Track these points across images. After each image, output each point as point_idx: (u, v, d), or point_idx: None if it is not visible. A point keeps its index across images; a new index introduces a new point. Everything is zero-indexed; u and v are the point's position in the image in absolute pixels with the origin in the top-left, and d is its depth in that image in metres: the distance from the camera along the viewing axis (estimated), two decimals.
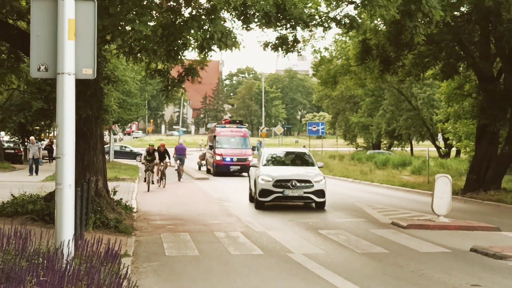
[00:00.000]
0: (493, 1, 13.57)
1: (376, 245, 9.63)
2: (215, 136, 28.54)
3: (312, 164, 15.27)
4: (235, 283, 6.87)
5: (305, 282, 6.91)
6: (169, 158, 21.28)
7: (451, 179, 12.31)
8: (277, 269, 7.75)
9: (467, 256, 8.82)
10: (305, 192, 13.60)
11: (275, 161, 15.67)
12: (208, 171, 29.83)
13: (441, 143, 41.24)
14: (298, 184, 13.52)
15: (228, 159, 27.06)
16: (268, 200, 13.84)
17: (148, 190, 18.84)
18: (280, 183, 13.59)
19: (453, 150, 38.23)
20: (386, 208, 15.01)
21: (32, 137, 24.75)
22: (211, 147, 28.30)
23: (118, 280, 4.84)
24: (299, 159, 15.88)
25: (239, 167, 27.13)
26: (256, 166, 15.36)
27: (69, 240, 5.12)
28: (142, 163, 19.37)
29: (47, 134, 35.34)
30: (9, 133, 29.76)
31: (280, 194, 13.60)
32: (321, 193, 13.76)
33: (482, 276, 7.35)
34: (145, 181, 19.38)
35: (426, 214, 13.19)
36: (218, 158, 26.99)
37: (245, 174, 23.89)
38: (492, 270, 7.80)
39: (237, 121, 33.79)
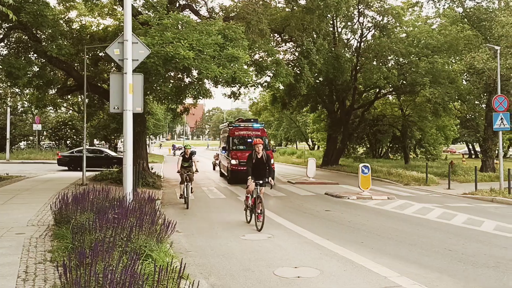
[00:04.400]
0: (333, 75, 27.04)
1: (280, 192, 16.51)
2: (229, 136, 23.23)
3: None
4: (212, 211, 12.85)
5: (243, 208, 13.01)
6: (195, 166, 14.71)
7: (315, 160, 23.67)
8: (231, 204, 14.13)
9: (323, 197, 16.05)
10: None
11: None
12: (221, 175, 25.66)
13: (310, 143, 73.09)
14: None
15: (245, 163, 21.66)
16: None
17: (188, 207, 13.68)
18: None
19: (316, 146, 69.97)
20: (285, 174, 26.63)
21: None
22: (225, 149, 23.30)
23: (155, 211, 10.24)
24: None
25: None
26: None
27: (129, 192, 10.35)
28: (179, 173, 13.85)
29: (120, 140, 53.17)
30: (99, 140, 48.49)
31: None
32: None
33: (331, 206, 13.98)
34: (181, 197, 14.18)
35: (304, 176, 22.95)
36: (234, 162, 21.45)
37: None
38: (336, 203, 14.66)
39: (252, 120, 26.94)
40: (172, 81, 14.31)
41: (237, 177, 20.64)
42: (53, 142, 47.29)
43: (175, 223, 7.64)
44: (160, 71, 12.27)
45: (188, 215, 12.22)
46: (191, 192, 14.12)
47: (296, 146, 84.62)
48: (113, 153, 31.03)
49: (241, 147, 22.48)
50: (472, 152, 61.72)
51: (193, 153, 14.69)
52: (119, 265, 4.35)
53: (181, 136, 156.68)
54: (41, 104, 22.74)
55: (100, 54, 20.13)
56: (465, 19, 29.02)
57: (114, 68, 20.37)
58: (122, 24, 20.64)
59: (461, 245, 8.87)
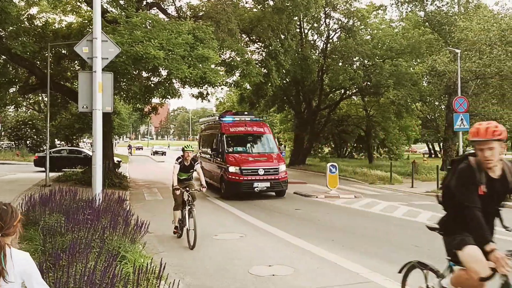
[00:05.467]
0: (300, 76, 27.16)
1: None
2: (221, 134, 17.10)
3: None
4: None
5: (214, 208, 12.94)
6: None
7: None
8: (201, 204, 13.92)
9: (293, 196, 16.18)
10: None
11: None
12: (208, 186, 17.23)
13: (277, 143, 74.25)
14: None
15: (249, 171, 15.66)
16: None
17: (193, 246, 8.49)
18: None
19: (283, 146, 75.88)
20: None
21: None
22: (216, 153, 17.30)
23: (125, 211, 10.13)
24: None
25: (268, 183, 15.65)
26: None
27: (99, 192, 10.18)
28: (176, 190, 9.18)
29: (81, 141, 55.20)
30: (59, 140, 45.56)
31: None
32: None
33: (301, 205, 14.14)
34: (176, 231, 9.61)
35: None
36: (232, 170, 15.74)
37: (274, 194, 16.42)
38: (305, 202, 14.83)
39: (246, 112, 20.78)
40: (140, 81, 14.10)
41: (237, 190, 15.37)
42: (12, 142, 45.65)
43: (148, 224, 7.56)
44: (129, 70, 12.11)
45: (158, 215, 12.10)
46: (194, 227, 8.41)
47: None
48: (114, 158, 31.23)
49: (240, 148, 16.84)
50: (432, 151, 63.78)
51: (195, 160, 9.64)
52: (96, 267, 4.29)
53: (145, 136, 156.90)
54: (2, 103, 21.92)
55: (63, 52, 19.62)
56: (427, 23, 29.98)
57: (78, 67, 19.89)
58: (86, 21, 20.31)
59: (427, 241, 9.16)
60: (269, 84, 20.03)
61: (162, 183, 21.44)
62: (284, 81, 27.84)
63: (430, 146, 64.22)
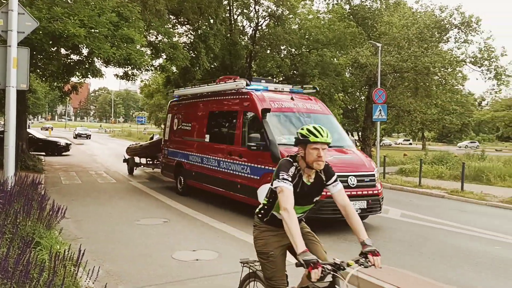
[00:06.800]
0: (229, 61, 26.87)
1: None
2: (254, 115, 10.27)
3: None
4: (102, 196, 12.24)
5: (136, 192, 12.60)
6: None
7: None
8: (123, 188, 13.53)
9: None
10: None
11: None
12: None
13: None
14: None
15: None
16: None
17: None
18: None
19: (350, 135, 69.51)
20: None
21: None
22: (238, 147, 10.52)
23: (40, 195, 9.59)
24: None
25: (364, 203, 9.12)
26: None
27: (11, 175, 9.53)
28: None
29: None
30: None
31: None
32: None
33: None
34: None
35: None
36: None
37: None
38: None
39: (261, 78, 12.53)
40: (59, 59, 13.24)
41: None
42: None
43: (65, 209, 7.22)
44: (46, 48, 11.34)
45: (77, 200, 11.59)
46: None
47: None
48: (40, 136, 29.15)
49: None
50: None
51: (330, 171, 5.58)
52: (9, 254, 4.03)
53: (63, 116, 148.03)
54: None
55: None
56: (351, 16, 31.13)
57: None
58: None
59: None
60: (198, 67, 19.74)
61: (80, 167, 20.55)
62: (212, 66, 27.65)
63: (350, 135, 67.34)
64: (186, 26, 24.88)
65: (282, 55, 30.49)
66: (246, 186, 10.01)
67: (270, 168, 9.19)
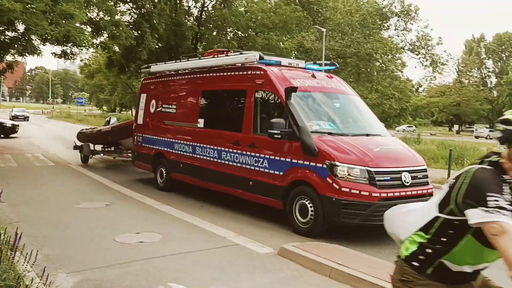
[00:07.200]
0: (174, 42, 25.79)
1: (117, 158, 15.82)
2: (275, 95, 8.29)
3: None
4: (38, 178, 11.77)
5: (76, 175, 12.20)
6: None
7: None
8: (62, 171, 13.09)
9: None
10: None
11: None
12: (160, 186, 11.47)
13: None
14: None
15: (388, 177, 7.15)
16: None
17: None
18: None
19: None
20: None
21: None
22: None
23: None
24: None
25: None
26: None
27: None
28: None
29: None
30: None
31: None
32: None
33: None
34: None
35: None
36: (349, 173, 6.97)
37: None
38: None
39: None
40: None
41: (361, 220, 6.93)
42: None
43: (0, 192, 6.88)
44: None
45: (12, 184, 11.06)
46: None
47: (132, 113, 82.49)
48: (8, 122, 27.87)
49: (325, 125, 8.09)
50: None
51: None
52: None
53: None
54: None
55: None
56: (297, 0, 31.36)
57: None
58: None
59: None
60: (143, 46, 19.09)
61: (16, 149, 19.56)
62: (157, 46, 27.05)
63: None
64: (129, 4, 24.07)
65: (229, 38, 30.27)
66: (263, 183, 8.09)
67: (301, 162, 7.46)
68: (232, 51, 10.41)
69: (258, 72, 8.66)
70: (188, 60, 11.10)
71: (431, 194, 7.41)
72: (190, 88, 10.70)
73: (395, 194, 7.05)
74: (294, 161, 7.63)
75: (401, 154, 7.92)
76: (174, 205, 9.24)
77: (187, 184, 10.47)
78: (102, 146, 16.34)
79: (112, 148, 16.21)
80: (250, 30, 28.88)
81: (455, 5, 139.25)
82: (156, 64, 12.49)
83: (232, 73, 9.39)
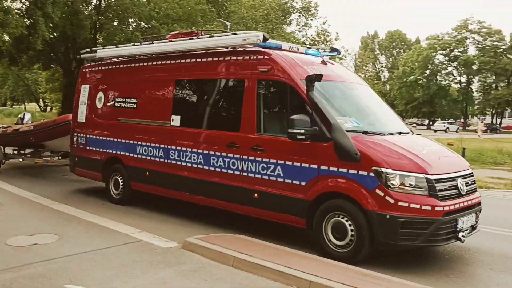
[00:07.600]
0: (71, 32, 25.66)
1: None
2: (294, 86, 6.40)
3: None
4: None
5: None
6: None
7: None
8: None
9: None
10: None
11: None
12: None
13: (42, 104, 68.09)
14: None
15: (447, 186, 5.80)
16: None
17: None
18: None
19: (49, 108, 63.35)
20: None
21: None
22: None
23: None
24: None
25: (474, 218, 6.15)
26: None
27: None
28: None
29: None
30: None
31: None
32: None
33: (68, 171, 13.38)
34: None
35: None
36: (405, 182, 5.50)
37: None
38: None
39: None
40: None
41: (419, 240, 5.53)
42: None
43: None
44: None
45: None
46: None
47: (25, 107, 76.50)
48: None
49: (352, 122, 6.39)
50: None
51: None
52: None
53: None
54: None
55: None
56: None
57: None
58: None
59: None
60: (36, 36, 17.73)
61: None
62: (52, 36, 25.40)
63: None
64: None
65: (131, 28, 29.31)
66: (274, 196, 6.50)
67: (334, 169, 5.91)
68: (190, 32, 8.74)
69: (261, 57, 6.91)
70: (153, 43, 8.81)
71: (480, 204, 6.40)
72: (157, 78, 8.52)
73: (456, 206, 5.70)
74: (322, 167, 6.05)
75: (448, 156, 6.67)
76: (73, 204, 8.80)
77: (151, 195, 8.62)
78: (14, 148, 13.47)
79: (29, 151, 13.49)
80: (153, 21, 28.23)
81: (351, 2, 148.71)
82: (104, 48, 10.22)
83: (221, 58, 7.52)
